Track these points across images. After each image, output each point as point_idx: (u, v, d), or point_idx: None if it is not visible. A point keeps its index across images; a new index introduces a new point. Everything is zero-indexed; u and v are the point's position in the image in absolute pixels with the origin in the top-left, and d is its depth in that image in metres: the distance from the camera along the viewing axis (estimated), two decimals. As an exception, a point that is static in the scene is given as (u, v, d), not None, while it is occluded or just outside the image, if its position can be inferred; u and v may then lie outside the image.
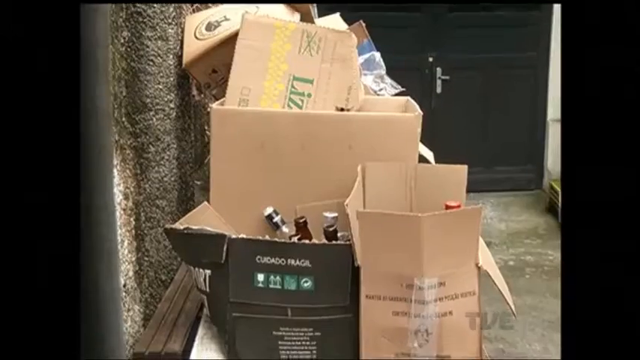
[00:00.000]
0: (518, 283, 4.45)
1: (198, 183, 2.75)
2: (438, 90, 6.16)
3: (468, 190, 1.73)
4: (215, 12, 2.43)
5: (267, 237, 1.58)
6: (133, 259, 2.13)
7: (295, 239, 1.62)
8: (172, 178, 2.23)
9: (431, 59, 6.12)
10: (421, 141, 1.94)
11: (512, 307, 1.55)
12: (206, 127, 2.89)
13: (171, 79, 2.20)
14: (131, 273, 2.10)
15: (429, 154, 2.21)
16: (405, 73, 3.91)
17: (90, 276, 0.51)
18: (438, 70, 6.12)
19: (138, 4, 2.10)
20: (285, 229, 1.77)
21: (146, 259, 2.21)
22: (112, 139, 1.80)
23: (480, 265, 1.47)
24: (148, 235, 2.21)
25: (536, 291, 4.41)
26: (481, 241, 1.55)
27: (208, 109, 2.07)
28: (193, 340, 1.67)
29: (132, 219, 2.12)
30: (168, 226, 1.73)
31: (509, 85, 6.20)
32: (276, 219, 1.79)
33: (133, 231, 2.14)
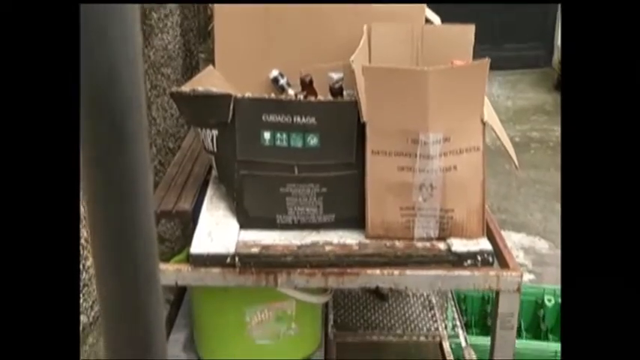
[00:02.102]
0: (523, 158, 4.47)
1: (203, 56, 2.73)
2: (447, -37, 5.96)
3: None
4: None
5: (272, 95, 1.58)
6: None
7: (301, 97, 1.62)
8: (176, 46, 2.21)
9: None
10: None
11: (515, 160, 1.57)
12: (209, -3, 2.82)
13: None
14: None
15: (435, 18, 2.17)
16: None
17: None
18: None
19: None
20: (290, 91, 1.77)
21: (153, 127, 2.23)
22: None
23: (485, 120, 1.47)
24: (154, 104, 2.22)
25: (541, 165, 4.44)
26: (486, 100, 1.55)
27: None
28: (202, 200, 1.70)
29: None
30: (174, 89, 1.73)
31: (520, -43, 5.99)
32: (282, 82, 1.79)
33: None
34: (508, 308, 1.50)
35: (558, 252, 3.47)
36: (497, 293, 1.50)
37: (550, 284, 2.69)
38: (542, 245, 3.54)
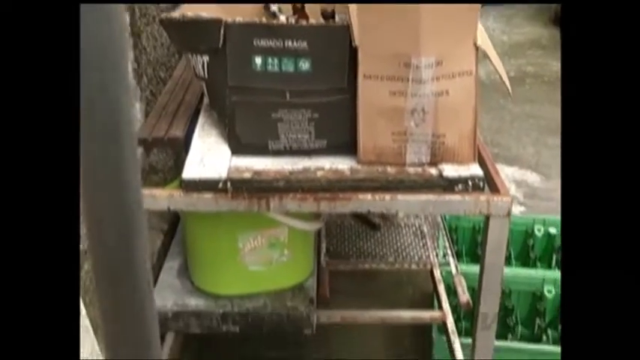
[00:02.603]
0: (517, 93, 4.45)
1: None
2: None
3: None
4: None
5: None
6: (131, 57, 2.12)
7: (292, 21, 1.60)
8: (165, -28, 2.17)
9: None
10: None
11: (509, 86, 1.56)
12: None
13: None
14: (130, 70, 2.10)
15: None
16: None
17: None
18: None
19: None
20: (282, 17, 1.75)
21: (144, 56, 2.20)
22: None
23: (478, 44, 1.46)
24: (144, 32, 2.19)
25: (536, 100, 4.43)
26: (481, 27, 1.53)
27: None
28: (194, 128, 1.70)
29: (127, 15, 2.08)
30: (163, 15, 1.70)
31: None
32: (274, 8, 1.76)
33: (129, 28, 2.11)
34: (498, 233, 1.52)
35: (549, 185, 3.50)
36: (488, 218, 1.52)
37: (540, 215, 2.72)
38: (533, 178, 3.57)
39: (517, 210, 3.19)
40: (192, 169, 1.49)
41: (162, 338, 1.94)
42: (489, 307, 1.64)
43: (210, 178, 1.46)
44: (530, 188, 3.48)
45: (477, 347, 1.71)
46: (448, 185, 1.48)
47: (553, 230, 2.57)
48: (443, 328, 2.03)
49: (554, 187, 3.46)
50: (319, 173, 1.49)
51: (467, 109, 1.49)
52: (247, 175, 1.47)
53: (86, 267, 1.54)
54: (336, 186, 1.48)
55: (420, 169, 1.51)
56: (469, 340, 1.84)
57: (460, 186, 1.48)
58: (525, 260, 2.57)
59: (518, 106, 4.26)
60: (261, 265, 1.79)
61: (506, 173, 3.54)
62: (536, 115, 4.21)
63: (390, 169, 1.51)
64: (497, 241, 1.54)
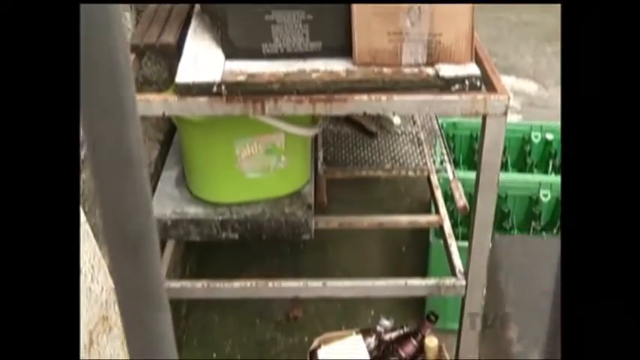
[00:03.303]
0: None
1: None
2: None
3: None
4: None
5: None
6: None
7: None
8: None
9: None
10: None
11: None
12: None
13: None
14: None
15: None
16: None
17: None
18: None
19: None
20: None
21: (132, -37, 2.14)
22: None
23: (475, -62, 1.41)
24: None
25: (534, 8, 4.35)
26: None
27: None
28: (186, 34, 1.67)
29: None
30: None
31: None
32: None
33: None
34: (495, 133, 1.52)
35: (547, 94, 3.47)
36: (484, 118, 1.51)
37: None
38: (531, 87, 3.55)
39: (515, 118, 3.18)
40: (185, 73, 1.47)
41: (163, 246, 1.97)
42: (486, 211, 1.65)
43: (204, 81, 1.44)
44: (527, 97, 3.46)
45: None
46: (445, 85, 1.47)
47: (550, 136, 2.57)
48: (440, 232, 2.05)
49: (551, 95, 3.44)
50: (314, 75, 1.48)
51: (464, 8, 1.46)
52: (242, 78, 1.46)
53: (84, 176, 1.54)
54: (332, 87, 1.46)
55: (416, 70, 1.49)
56: (466, 244, 1.87)
57: (457, 86, 1.47)
58: (522, 167, 2.58)
59: (516, 15, 4.19)
60: (259, 172, 1.79)
61: (504, 83, 3.51)
62: (533, 22, 4.14)
63: (386, 70, 1.49)
64: (493, 141, 1.53)
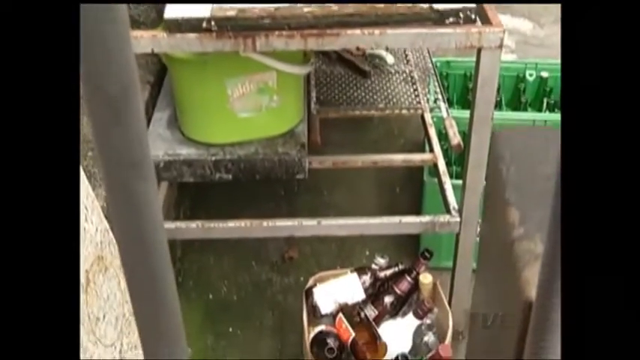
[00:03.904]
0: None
1: None
2: None
3: None
4: None
5: None
6: None
7: None
8: None
9: None
10: None
11: None
12: None
13: None
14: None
15: None
16: None
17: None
18: None
19: None
20: None
21: None
22: None
23: None
24: None
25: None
26: None
27: None
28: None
29: None
30: None
31: None
32: None
33: None
34: (489, 67, 1.50)
35: (542, 33, 3.43)
36: (479, 52, 1.49)
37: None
38: (526, 26, 3.50)
39: (509, 57, 3.14)
40: (174, 9, 1.44)
41: (156, 188, 1.95)
42: (480, 148, 1.65)
43: (193, 17, 1.42)
44: (522, 36, 3.42)
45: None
46: (439, 18, 1.44)
47: (545, 74, 2.54)
48: (434, 170, 2.05)
49: (547, 34, 3.40)
50: (306, 9, 1.45)
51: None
52: (231, 13, 1.43)
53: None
54: (324, 22, 1.43)
55: (409, 3, 1.46)
56: (459, 182, 1.87)
57: (451, 18, 1.44)
58: (516, 106, 2.56)
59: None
60: (251, 111, 1.77)
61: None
62: (529, -39, 4.07)
63: (379, 4, 1.46)
64: (488, 75, 1.52)
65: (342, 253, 2.25)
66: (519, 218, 0.70)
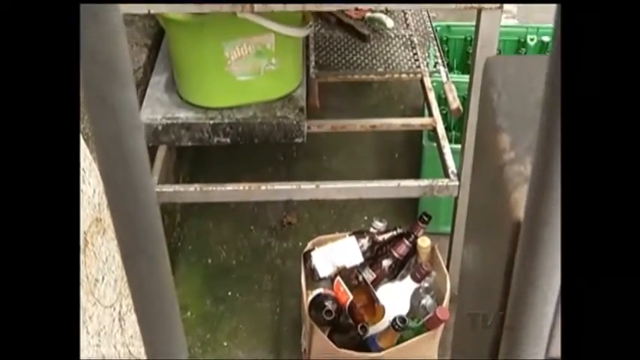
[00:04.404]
0: None
1: None
2: None
3: None
4: None
5: None
6: None
7: None
8: None
9: None
10: None
11: None
12: None
13: None
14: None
15: None
16: None
17: None
18: None
19: None
20: None
21: None
22: None
23: None
24: None
25: None
26: None
27: None
28: None
29: None
30: None
31: None
32: None
33: None
34: (489, 27, 1.48)
35: (544, -3, 3.39)
36: (479, 13, 1.48)
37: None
38: (528, -9, 3.46)
39: (510, 23, 3.11)
40: (170, -31, 1.42)
41: (154, 152, 1.95)
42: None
43: (189, -24, 1.40)
44: None
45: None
46: (438, -22, 1.43)
47: (546, 38, 2.52)
48: (433, 134, 2.04)
49: (548, -1, 3.37)
50: (304, -31, 1.43)
51: None
52: (229, -27, 1.41)
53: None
54: (322, -18, 1.42)
55: (409, -38, 1.44)
56: (459, 147, 1.86)
57: (451, -21, 1.43)
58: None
59: None
60: (249, 74, 1.76)
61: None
62: None
63: (378, -37, 1.44)
64: (488, 37, 1.51)
65: (340, 219, 2.26)
66: (510, 143, 0.69)
